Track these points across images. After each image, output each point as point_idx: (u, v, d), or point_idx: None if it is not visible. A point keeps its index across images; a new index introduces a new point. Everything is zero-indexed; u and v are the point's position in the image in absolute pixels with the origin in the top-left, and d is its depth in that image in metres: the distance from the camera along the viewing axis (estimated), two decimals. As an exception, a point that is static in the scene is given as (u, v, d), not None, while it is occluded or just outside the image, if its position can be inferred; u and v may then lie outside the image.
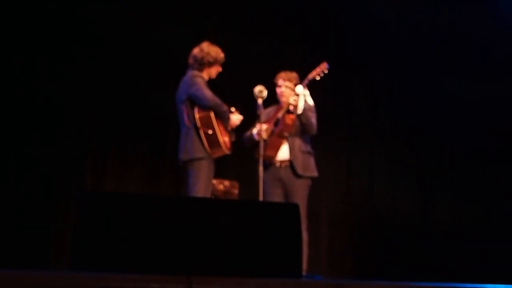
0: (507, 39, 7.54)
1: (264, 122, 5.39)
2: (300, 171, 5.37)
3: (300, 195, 5.31)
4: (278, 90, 5.55)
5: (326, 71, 5.42)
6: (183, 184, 5.36)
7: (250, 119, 5.51)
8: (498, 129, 7.44)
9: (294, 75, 5.56)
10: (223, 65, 5.40)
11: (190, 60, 5.32)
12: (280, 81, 5.53)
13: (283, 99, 5.50)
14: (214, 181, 5.32)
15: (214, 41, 5.41)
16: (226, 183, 5.56)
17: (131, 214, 3.54)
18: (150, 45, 6.67)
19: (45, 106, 6.20)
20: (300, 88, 5.39)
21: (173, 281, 3.16)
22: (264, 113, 5.49)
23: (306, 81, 5.42)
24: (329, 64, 5.44)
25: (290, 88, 5.48)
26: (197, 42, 5.43)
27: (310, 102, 5.46)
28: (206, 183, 5.08)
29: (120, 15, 6.58)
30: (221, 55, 5.34)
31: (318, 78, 5.43)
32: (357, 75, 7.54)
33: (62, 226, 5.97)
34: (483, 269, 6.72)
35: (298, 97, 5.36)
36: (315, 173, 5.49)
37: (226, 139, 5.22)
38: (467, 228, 7.28)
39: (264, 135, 5.29)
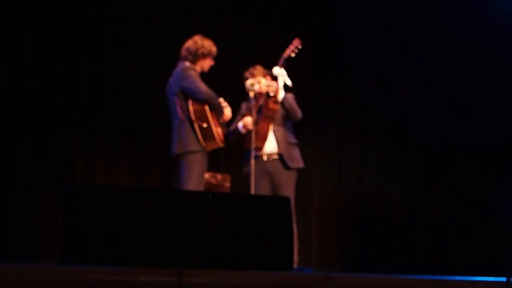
0: (494, 34, 7.58)
1: (246, 115, 5.39)
2: (289, 163, 5.35)
3: (289, 187, 5.30)
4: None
5: (300, 47, 5.37)
6: (173, 177, 5.34)
7: (236, 112, 5.54)
8: (485, 124, 7.47)
9: (258, 68, 5.52)
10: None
11: (184, 53, 5.31)
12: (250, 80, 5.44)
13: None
14: (207, 175, 5.29)
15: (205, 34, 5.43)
16: (218, 176, 5.53)
17: (121, 207, 3.52)
18: (137, 39, 6.65)
19: (35, 100, 6.16)
20: (276, 69, 5.34)
21: (163, 274, 3.16)
22: (244, 107, 5.52)
23: (281, 61, 5.36)
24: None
25: (261, 81, 5.43)
26: (184, 36, 5.45)
27: (288, 82, 5.39)
28: (199, 177, 5.07)
29: (108, 10, 6.56)
30: (214, 48, 5.37)
31: (293, 55, 5.38)
32: (348, 72, 7.55)
33: (51, 219, 5.93)
34: (472, 261, 6.76)
35: (277, 78, 5.31)
36: (301, 164, 5.46)
37: (220, 131, 5.22)
38: (456, 221, 7.32)
39: (250, 126, 5.28)
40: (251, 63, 5.62)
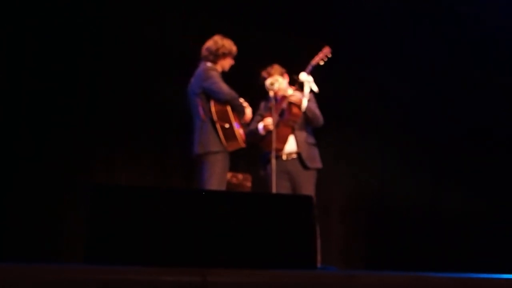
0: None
1: (266, 115, 5.36)
2: (308, 163, 5.34)
3: (309, 187, 5.28)
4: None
5: (329, 55, 5.37)
6: (194, 177, 5.30)
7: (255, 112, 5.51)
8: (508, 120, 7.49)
9: (275, 67, 5.49)
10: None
11: (204, 53, 5.32)
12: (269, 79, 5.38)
13: (281, 93, 5.40)
14: (228, 175, 5.28)
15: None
16: (240, 176, 5.53)
17: (143, 207, 3.51)
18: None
19: (56, 100, 6.15)
20: (304, 75, 5.31)
21: (187, 273, 3.13)
22: (262, 106, 5.48)
23: (309, 68, 5.33)
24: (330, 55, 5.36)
25: (279, 79, 5.38)
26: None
27: (315, 88, 5.36)
28: (220, 177, 5.07)
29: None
30: (234, 47, 5.39)
31: (322, 63, 5.37)
32: (365, 69, 7.47)
33: (74, 220, 5.90)
34: (496, 259, 6.69)
35: (303, 84, 5.28)
36: (320, 165, 5.45)
37: (241, 132, 5.22)
38: (479, 219, 7.26)
39: (271, 127, 5.24)
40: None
